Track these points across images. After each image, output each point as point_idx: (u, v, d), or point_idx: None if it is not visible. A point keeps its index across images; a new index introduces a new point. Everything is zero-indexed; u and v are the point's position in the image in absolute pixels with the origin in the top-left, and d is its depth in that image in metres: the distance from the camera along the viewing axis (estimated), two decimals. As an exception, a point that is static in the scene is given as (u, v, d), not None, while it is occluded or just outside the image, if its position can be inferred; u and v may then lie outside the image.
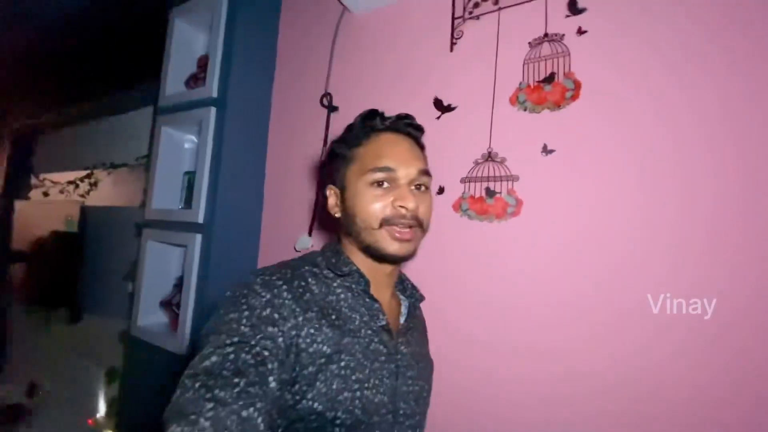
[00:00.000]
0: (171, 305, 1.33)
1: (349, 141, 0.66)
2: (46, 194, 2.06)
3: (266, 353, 0.48)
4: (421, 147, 0.70)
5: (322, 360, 0.53)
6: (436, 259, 1.00)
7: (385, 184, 0.61)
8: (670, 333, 0.76)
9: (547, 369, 0.86)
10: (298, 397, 0.52)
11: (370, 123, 0.65)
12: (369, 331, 0.60)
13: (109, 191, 1.89)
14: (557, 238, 0.87)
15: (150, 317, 1.39)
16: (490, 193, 0.95)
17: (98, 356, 1.72)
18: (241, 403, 0.42)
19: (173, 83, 1.44)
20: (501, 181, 0.94)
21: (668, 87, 0.79)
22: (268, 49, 1.41)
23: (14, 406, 1.98)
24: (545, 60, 0.92)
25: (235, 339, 0.48)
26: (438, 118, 1.04)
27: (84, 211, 1.81)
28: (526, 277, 0.90)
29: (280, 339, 0.51)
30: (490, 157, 0.96)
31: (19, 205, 2.32)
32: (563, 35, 0.90)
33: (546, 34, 0.92)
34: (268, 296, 0.53)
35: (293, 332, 0.52)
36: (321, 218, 1.22)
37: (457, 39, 1.05)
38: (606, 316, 0.81)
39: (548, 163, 0.89)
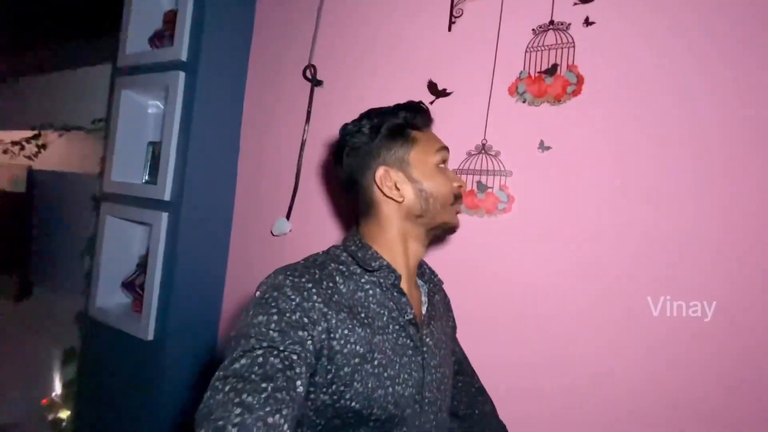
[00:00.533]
0: (134, 286, 1.24)
1: (406, 122, 0.67)
2: (-14, 154, 1.84)
3: (294, 357, 0.48)
4: None
5: (357, 360, 0.54)
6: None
7: (442, 166, 0.67)
8: (670, 335, 0.77)
9: (543, 372, 0.85)
10: (336, 397, 0.53)
11: (423, 114, 0.69)
12: (396, 326, 0.60)
13: (60, 155, 1.70)
14: (551, 238, 0.85)
15: (110, 298, 1.29)
16: (482, 187, 0.92)
17: (52, 334, 1.60)
18: (268, 409, 0.43)
19: (135, 40, 1.28)
20: (494, 175, 0.91)
21: (676, 92, 0.77)
22: (245, 9, 1.27)
23: (-44, 384, 1.85)
24: (548, 49, 0.87)
25: (264, 344, 0.48)
26: (431, 103, 0.98)
27: (32, 174, 1.63)
28: (515, 277, 0.88)
29: (309, 343, 0.51)
30: (483, 149, 0.92)
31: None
32: (569, 24, 0.85)
33: (552, 22, 0.87)
34: (298, 299, 0.53)
35: (323, 336, 0.53)
36: (303, 202, 1.15)
37: (456, 17, 0.97)
38: (605, 319, 0.81)
39: (544, 161, 0.86)
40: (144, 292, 1.15)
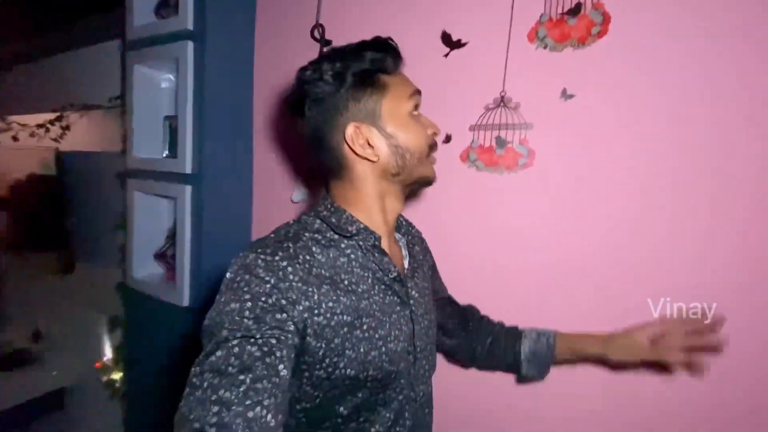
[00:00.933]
0: (166, 257, 1.30)
1: (374, 67, 0.58)
2: (15, 138, 1.91)
3: (273, 341, 0.46)
4: None
5: (345, 329, 0.53)
6: (442, 213, 0.96)
7: (415, 112, 0.61)
8: None
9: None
10: (330, 369, 0.53)
11: (392, 53, 0.61)
12: (383, 286, 0.59)
13: (83, 135, 1.75)
14: (571, 194, 0.83)
15: (145, 269, 1.36)
16: (501, 142, 0.89)
17: (98, 304, 1.72)
18: (248, 402, 0.41)
19: (142, 11, 1.26)
20: (513, 129, 0.87)
21: (707, 29, 0.70)
22: (247, -31, 1.22)
23: (20, 351, 2.03)
24: (572, -13, 0.80)
25: (239, 333, 0.45)
26: (446, 55, 0.94)
27: (59, 156, 1.69)
28: (531, 235, 0.87)
29: (290, 324, 0.49)
30: (502, 102, 0.88)
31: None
32: (595, -44, 0.78)
33: (575, -45, 0.79)
34: (273, 280, 0.50)
35: (305, 315, 0.50)
36: (311, 167, 1.15)
37: (469, -41, 0.90)
38: (605, 320, 0.79)
39: (567, 110, 0.82)
40: (176, 262, 1.21)
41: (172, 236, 1.32)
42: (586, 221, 0.82)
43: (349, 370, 0.53)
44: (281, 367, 0.45)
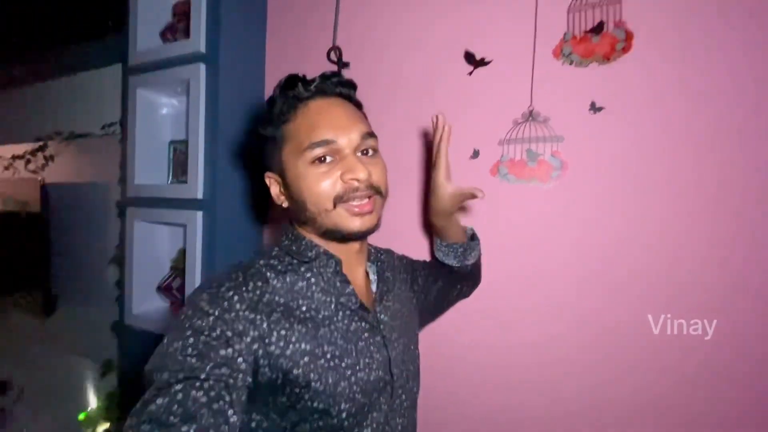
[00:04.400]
0: (171, 289, 1.21)
1: (274, 119, 0.58)
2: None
3: (222, 384, 0.42)
4: (358, 105, 0.63)
5: (306, 359, 0.50)
6: (474, 225, 0.95)
7: (328, 159, 0.55)
8: (671, 354, 0.77)
9: (542, 386, 0.89)
10: (293, 399, 0.49)
11: (293, 92, 0.57)
12: (348, 312, 0.57)
13: (71, 165, 1.65)
14: (601, 205, 0.84)
15: (145, 304, 1.26)
16: (532, 155, 0.90)
17: (82, 349, 1.57)
18: None
19: (145, 37, 1.23)
20: (544, 142, 0.89)
21: (730, 39, 0.75)
22: (257, -6, 1.23)
23: (-15, 406, 1.81)
24: (593, 8, 0.85)
25: (181, 375, 0.42)
26: (470, 74, 0.96)
27: (44, 189, 1.57)
28: (569, 243, 0.87)
29: (240, 359, 0.45)
30: (531, 116, 0.90)
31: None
32: (614, -21, 0.83)
33: (594, -22, 0.84)
34: (217, 312, 0.47)
35: (255, 346, 0.48)
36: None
37: (489, -17, 0.94)
38: (605, 337, 0.81)
39: (597, 122, 0.84)
40: (184, 294, 1.12)
41: (177, 266, 1.24)
42: (603, 232, 0.84)
43: (316, 403, 0.50)
44: (230, 412, 0.41)
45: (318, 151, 0.54)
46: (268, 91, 1.24)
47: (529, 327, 0.90)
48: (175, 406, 0.39)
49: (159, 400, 0.40)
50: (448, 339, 0.97)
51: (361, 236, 0.58)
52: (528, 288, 0.91)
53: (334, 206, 0.55)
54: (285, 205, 0.61)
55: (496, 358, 0.94)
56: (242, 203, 1.19)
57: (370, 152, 0.58)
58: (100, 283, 1.49)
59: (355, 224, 0.55)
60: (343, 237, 0.57)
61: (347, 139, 0.55)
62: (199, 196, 1.10)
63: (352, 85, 0.62)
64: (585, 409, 0.85)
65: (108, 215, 1.46)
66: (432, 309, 0.84)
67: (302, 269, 0.57)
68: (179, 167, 1.24)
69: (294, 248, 0.59)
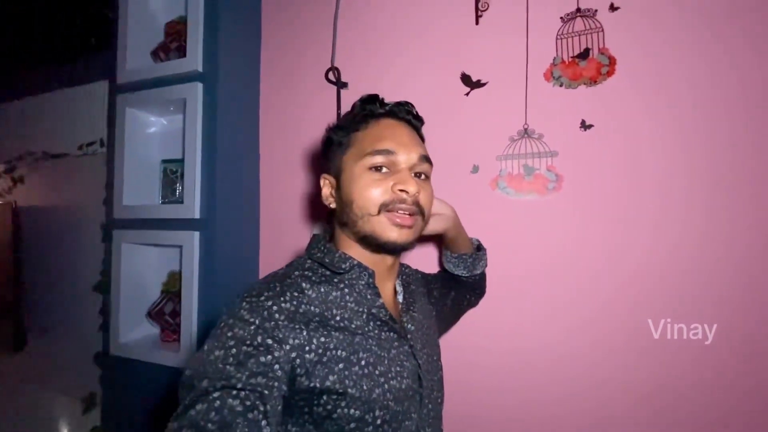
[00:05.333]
0: (162, 315, 1.16)
1: (347, 126, 0.63)
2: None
3: (256, 394, 0.43)
4: (422, 138, 0.68)
5: (341, 365, 0.51)
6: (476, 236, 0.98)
7: (385, 170, 0.59)
8: (671, 358, 0.80)
9: (541, 393, 0.91)
10: (330, 407, 0.50)
11: (370, 107, 0.63)
12: (378, 322, 0.58)
13: (44, 187, 1.55)
14: (601, 213, 0.90)
15: (133, 332, 1.20)
16: (528, 170, 0.95)
17: (55, 384, 1.45)
18: None
19: (134, 56, 1.20)
20: (540, 157, 0.95)
21: (698, 66, 0.85)
22: (252, 14, 1.24)
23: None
24: (579, 35, 0.93)
25: (221, 383, 0.43)
26: (467, 94, 1.01)
27: (16, 213, 1.47)
28: (568, 251, 0.92)
29: (277, 367, 0.47)
30: (526, 133, 0.96)
31: None
32: (596, 11, 0.91)
33: (578, 9, 0.93)
34: (258, 321, 0.49)
35: (293, 354, 0.49)
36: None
37: (482, 11, 1.01)
38: (605, 342, 0.84)
39: (588, 138, 0.91)
40: (180, 318, 1.08)
41: (168, 290, 1.19)
42: (601, 239, 0.89)
43: (353, 410, 0.51)
44: (264, 423, 0.42)
45: (378, 159, 0.58)
46: (264, 109, 1.25)
47: (530, 333, 0.94)
48: (213, 414, 0.41)
49: (198, 406, 0.41)
50: (449, 347, 0.99)
51: (394, 249, 0.59)
52: (529, 294, 0.94)
53: (378, 212, 0.57)
54: (332, 206, 0.64)
55: (497, 364, 0.96)
56: (240, 223, 1.17)
57: (423, 176, 0.62)
58: (77, 313, 1.39)
59: (393, 234, 0.57)
60: (378, 246, 0.58)
61: (406, 156, 0.59)
62: (197, 215, 1.07)
63: (420, 119, 0.67)
64: (585, 413, 0.87)
65: (86, 239, 1.38)
66: (447, 319, 0.86)
67: (336, 280, 0.59)
68: (170, 187, 1.20)
69: (327, 260, 0.60)
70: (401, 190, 0.57)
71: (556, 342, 0.91)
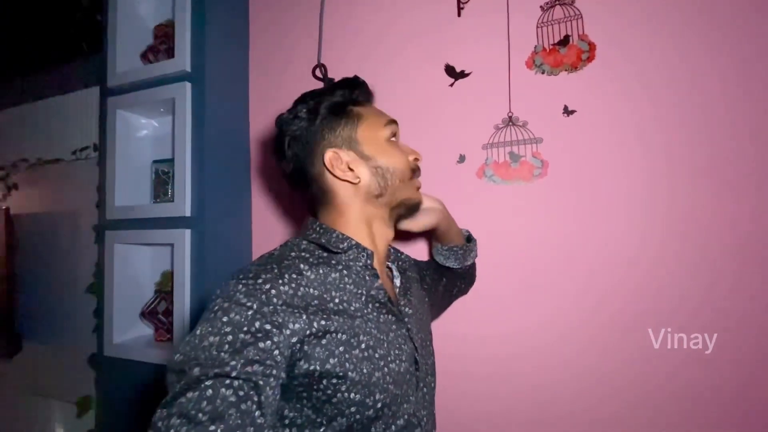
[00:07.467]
0: (155, 314, 1.16)
1: (346, 100, 0.64)
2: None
3: (251, 384, 0.42)
4: None
5: (342, 348, 0.51)
6: (464, 226, 0.99)
7: (393, 139, 0.65)
8: (671, 368, 0.79)
9: (541, 400, 0.90)
10: (330, 392, 0.49)
11: (366, 88, 0.69)
12: (377, 304, 0.58)
13: (38, 193, 1.56)
14: (588, 198, 0.91)
15: (127, 333, 1.20)
16: (514, 157, 0.96)
17: (49, 389, 1.44)
18: None
19: (123, 58, 1.22)
20: (525, 144, 0.96)
21: (681, 44, 0.86)
22: (239, 14, 1.26)
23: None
24: (558, 23, 0.94)
25: (214, 371, 0.41)
26: (451, 85, 1.02)
27: (10, 220, 1.48)
28: (545, 242, 0.93)
29: (277, 352, 0.45)
30: (511, 121, 0.97)
31: None
32: (574, -1, 0.93)
33: (557, -2, 0.94)
34: (255, 306, 0.47)
35: (294, 339, 0.48)
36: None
37: (464, 3, 1.02)
38: (605, 351, 0.83)
39: (571, 124, 0.92)
40: (172, 317, 1.08)
41: (161, 289, 1.19)
42: (591, 225, 0.89)
43: (353, 394, 0.50)
44: (257, 414, 0.41)
45: (394, 128, 0.65)
46: (253, 106, 1.26)
47: (525, 334, 0.92)
48: (204, 403, 0.39)
49: (189, 394, 0.40)
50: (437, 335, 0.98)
51: (418, 209, 0.68)
52: (522, 290, 0.94)
53: (411, 178, 0.65)
54: (353, 180, 0.60)
55: (489, 368, 0.94)
56: (229, 220, 1.18)
57: None
58: (72, 318, 1.39)
59: (420, 196, 0.67)
60: (410, 208, 0.66)
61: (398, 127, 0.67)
62: (187, 213, 1.08)
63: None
64: (585, 424, 0.86)
65: (80, 244, 1.39)
66: (438, 306, 0.86)
67: (333, 261, 0.58)
68: (162, 187, 1.21)
69: (324, 240, 0.59)
70: (416, 159, 0.66)
71: (556, 343, 0.89)
